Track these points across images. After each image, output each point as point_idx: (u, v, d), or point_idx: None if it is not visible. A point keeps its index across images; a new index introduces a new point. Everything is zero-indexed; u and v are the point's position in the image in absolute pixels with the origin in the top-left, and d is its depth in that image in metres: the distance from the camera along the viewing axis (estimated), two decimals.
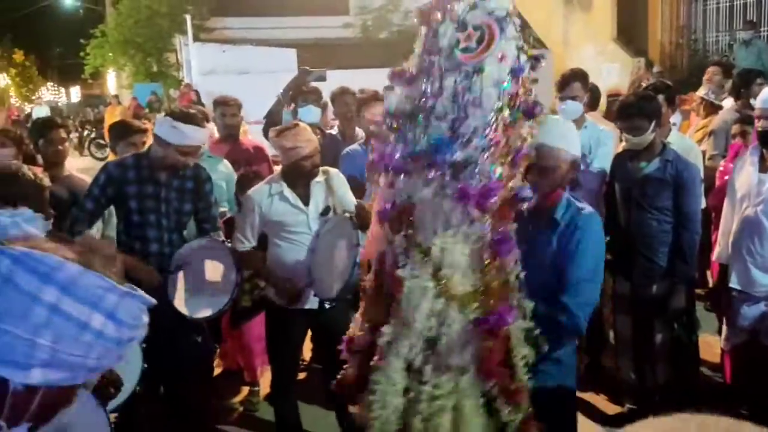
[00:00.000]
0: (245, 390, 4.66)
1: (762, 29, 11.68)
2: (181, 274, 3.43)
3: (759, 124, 3.49)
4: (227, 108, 5.07)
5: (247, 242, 3.56)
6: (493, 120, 2.19)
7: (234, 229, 3.74)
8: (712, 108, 5.75)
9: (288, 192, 3.52)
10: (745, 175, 3.60)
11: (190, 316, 3.40)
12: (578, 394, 4.38)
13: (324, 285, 3.37)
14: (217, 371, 4.92)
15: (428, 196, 2.24)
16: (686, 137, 4.95)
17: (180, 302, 3.39)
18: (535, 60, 2.30)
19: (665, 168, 3.75)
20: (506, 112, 2.22)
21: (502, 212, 2.24)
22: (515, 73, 2.23)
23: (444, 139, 2.20)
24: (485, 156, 2.19)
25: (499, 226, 2.24)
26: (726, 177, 4.09)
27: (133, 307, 1.24)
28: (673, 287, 3.79)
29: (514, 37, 2.24)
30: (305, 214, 3.52)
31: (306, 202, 3.53)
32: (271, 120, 5.12)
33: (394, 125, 2.33)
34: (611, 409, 4.21)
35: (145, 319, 1.27)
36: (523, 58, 2.27)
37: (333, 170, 3.70)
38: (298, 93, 5.10)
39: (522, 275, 2.31)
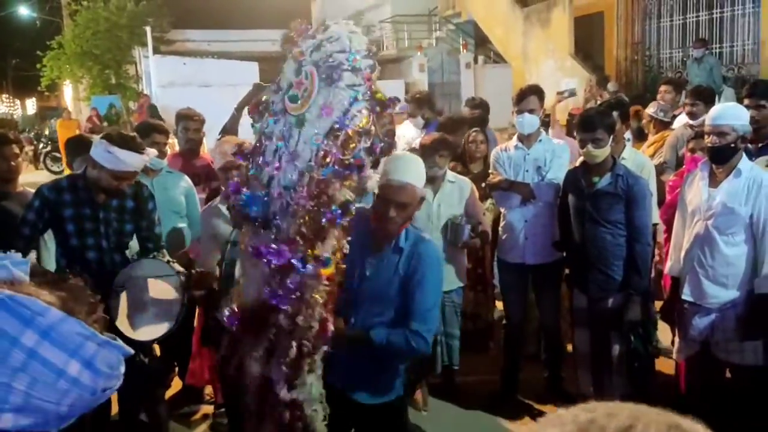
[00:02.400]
0: (206, 410, 4.60)
1: (713, 46, 12.03)
2: (123, 295, 3.33)
3: (708, 140, 3.58)
4: (191, 122, 5.00)
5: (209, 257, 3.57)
6: (303, 178, 2.16)
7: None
8: (661, 125, 5.91)
9: (223, 206, 3.55)
10: (696, 189, 3.68)
11: (134, 338, 3.30)
12: (538, 406, 4.46)
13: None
14: (175, 391, 4.85)
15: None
16: (639, 153, 5.07)
17: (123, 323, 3.28)
18: (381, 105, 2.24)
19: (616, 182, 3.84)
20: (316, 171, 2.17)
21: (284, 270, 2.24)
22: (338, 128, 2.15)
23: (255, 197, 2.24)
24: (286, 214, 2.19)
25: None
26: (676, 191, 4.19)
27: (112, 357, 1.22)
28: (628, 299, 3.86)
29: (351, 85, 2.14)
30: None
31: None
32: (227, 135, 5.08)
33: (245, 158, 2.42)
34: None
35: (122, 369, 1.25)
36: (358, 107, 2.17)
37: None
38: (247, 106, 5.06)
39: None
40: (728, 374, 3.87)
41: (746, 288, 3.52)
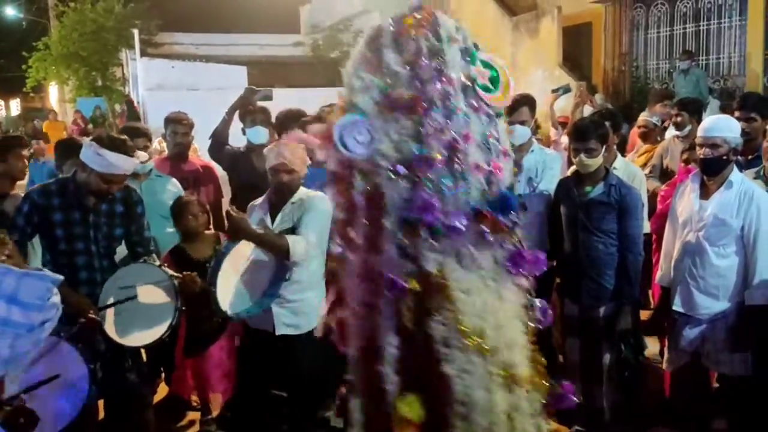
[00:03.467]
0: (192, 416, 4.55)
1: (700, 58, 12.14)
2: (111, 300, 3.26)
3: (701, 152, 3.60)
4: (179, 126, 4.97)
5: None
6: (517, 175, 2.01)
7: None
8: (653, 134, 5.94)
9: (263, 207, 3.70)
10: (687, 201, 3.70)
11: (124, 344, 3.25)
12: None
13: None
14: (161, 397, 4.80)
15: (482, 263, 1.87)
16: (630, 163, 5.09)
17: (112, 329, 3.22)
18: None
19: (609, 192, 3.84)
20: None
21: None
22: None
23: (510, 195, 1.89)
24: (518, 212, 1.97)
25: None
26: (667, 201, 4.21)
27: (38, 288, 1.17)
28: (620, 309, 3.87)
29: None
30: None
31: (273, 220, 3.64)
32: (217, 139, 5.05)
33: (419, 171, 1.87)
34: (560, 430, 4.23)
35: (56, 298, 1.20)
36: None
37: (318, 195, 3.60)
38: (246, 113, 5.03)
39: None
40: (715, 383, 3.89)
41: (737, 299, 3.55)
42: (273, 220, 3.61)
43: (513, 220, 1.86)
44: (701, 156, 3.59)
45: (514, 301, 1.90)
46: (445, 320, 1.84)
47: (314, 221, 3.50)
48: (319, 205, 3.54)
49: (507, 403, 1.86)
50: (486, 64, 1.92)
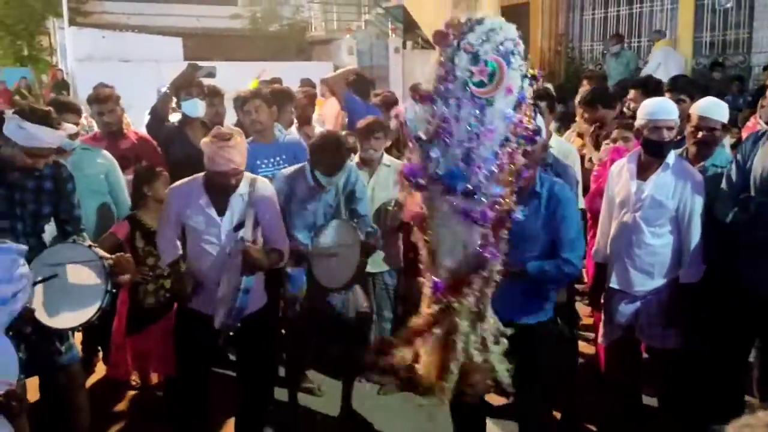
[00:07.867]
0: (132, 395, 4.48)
1: (632, 40, 12.48)
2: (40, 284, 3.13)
3: (654, 135, 3.59)
4: (104, 105, 4.72)
5: (170, 245, 3.59)
6: (499, 149, 2.54)
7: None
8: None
9: (204, 200, 3.47)
10: (623, 181, 3.77)
11: (52, 327, 3.10)
12: None
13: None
14: (100, 378, 4.69)
15: (444, 215, 2.60)
16: (565, 141, 5.18)
17: (40, 311, 3.06)
18: (533, 79, 2.63)
19: (546, 171, 3.90)
20: (511, 141, 2.57)
21: (497, 227, 2.64)
22: (519, 102, 2.57)
23: (459, 169, 2.51)
24: (491, 181, 2.55)
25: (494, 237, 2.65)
26: (600, 180, 4.31)
27: (3, 260, 1.15)
28: None
29: (519, 66, 2.55)
30: (218, 226, 3.47)
31: (222, 213, 3.49)
32: (157, 115, 4.90)
33: (422, 143, 2.57)
34: (497, 401, 4.35)
35: (23, 269, 1.18)
36: (526, 83, 2.59)
37: (260, 181, 3.61)
38: (180, 86, 4.88)
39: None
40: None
41: (670, 277, 3.65)
42: (220, 215, 3.49)
43: (462, 188, 2.51)
44: (655, 139, 3.59)
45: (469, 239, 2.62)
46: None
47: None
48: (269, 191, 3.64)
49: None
50: (489, 64, 2.47)
